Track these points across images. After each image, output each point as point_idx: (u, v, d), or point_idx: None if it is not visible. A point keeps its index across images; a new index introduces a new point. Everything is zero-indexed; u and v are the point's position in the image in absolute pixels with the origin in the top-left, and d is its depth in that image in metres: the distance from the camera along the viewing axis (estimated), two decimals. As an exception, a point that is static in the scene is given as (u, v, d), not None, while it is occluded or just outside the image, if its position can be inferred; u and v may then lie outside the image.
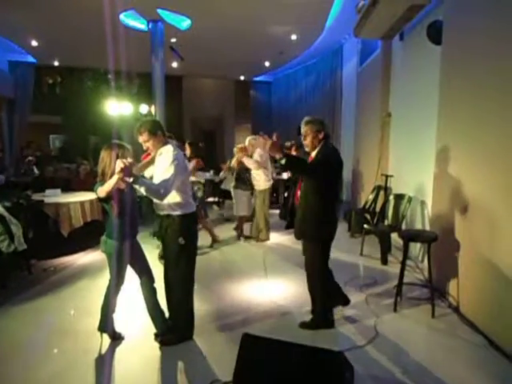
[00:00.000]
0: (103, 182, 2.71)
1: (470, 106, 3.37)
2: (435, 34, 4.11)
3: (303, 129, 3.09)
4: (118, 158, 2.71)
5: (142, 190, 2.59)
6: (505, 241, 2.85)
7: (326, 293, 3.19)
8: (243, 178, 5.86)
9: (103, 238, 2.88)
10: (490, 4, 3.10)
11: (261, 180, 5.77)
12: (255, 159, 5.60)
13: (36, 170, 8.76)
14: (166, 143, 2.88)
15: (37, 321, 3.38)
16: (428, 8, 4.41)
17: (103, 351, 2.87)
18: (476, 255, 3.23)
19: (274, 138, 2.92)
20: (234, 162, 5.96)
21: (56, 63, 10.60)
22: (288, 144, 3.25)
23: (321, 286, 3.16)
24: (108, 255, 2.85)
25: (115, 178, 2.50)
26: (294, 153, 3.54)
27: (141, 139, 2.84)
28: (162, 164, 2.77)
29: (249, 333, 2.08)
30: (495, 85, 2.99)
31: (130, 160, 2.51)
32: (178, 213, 2.84)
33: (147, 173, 2.99)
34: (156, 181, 2.73)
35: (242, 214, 5.95)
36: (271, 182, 5.93)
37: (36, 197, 5.36)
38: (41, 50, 9.16)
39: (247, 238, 6.10)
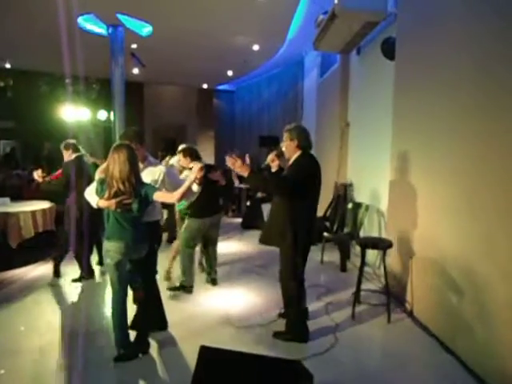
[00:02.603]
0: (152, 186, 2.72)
1: (421, 117, 3.55)
2: (389, 49, 4.31)
3: (283, 136, 3.15)
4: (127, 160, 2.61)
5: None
6: (453, 248, 2.99)
7: (301, 299, 3.18)
8: None
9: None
10: (439, 23, 3.29)
11: None
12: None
13: (-16, 179, 8.22)
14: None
15: (-20, 340, 3.14)
16: (382, 25, 4.61)
17: (56, 369, 2.71)
18: (427, 262, 3.37)
19: (247, 160, 2.99)
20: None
21: (8, 65, 10.08)
22: (271, 156, 3.22)
23: (296, 290, 3.14)
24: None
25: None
26: (276, 163, 3.61)
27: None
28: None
29: (206, 345, 2.04)
30: (444, 97, 3.17)
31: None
32: (158, 218, 3.04)
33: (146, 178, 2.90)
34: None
35: None
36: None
37: (-18, 206, 5.03)
38: (-10, 51, 8.71)
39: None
